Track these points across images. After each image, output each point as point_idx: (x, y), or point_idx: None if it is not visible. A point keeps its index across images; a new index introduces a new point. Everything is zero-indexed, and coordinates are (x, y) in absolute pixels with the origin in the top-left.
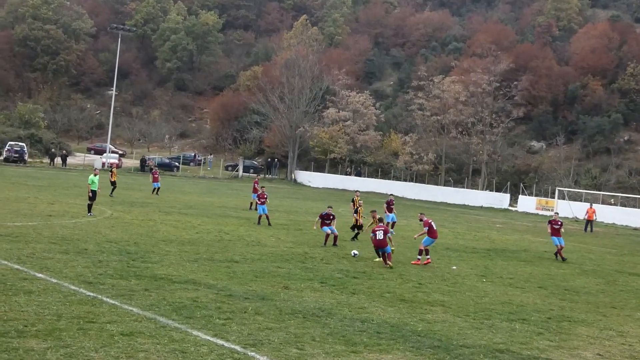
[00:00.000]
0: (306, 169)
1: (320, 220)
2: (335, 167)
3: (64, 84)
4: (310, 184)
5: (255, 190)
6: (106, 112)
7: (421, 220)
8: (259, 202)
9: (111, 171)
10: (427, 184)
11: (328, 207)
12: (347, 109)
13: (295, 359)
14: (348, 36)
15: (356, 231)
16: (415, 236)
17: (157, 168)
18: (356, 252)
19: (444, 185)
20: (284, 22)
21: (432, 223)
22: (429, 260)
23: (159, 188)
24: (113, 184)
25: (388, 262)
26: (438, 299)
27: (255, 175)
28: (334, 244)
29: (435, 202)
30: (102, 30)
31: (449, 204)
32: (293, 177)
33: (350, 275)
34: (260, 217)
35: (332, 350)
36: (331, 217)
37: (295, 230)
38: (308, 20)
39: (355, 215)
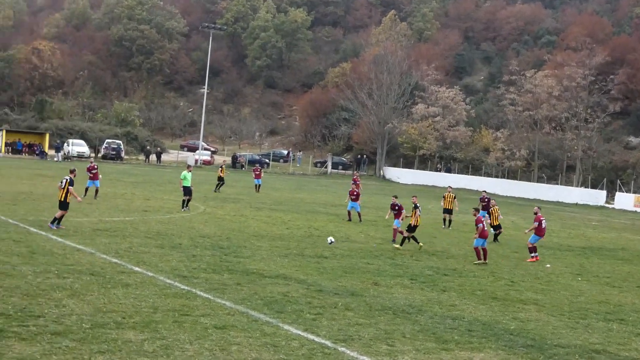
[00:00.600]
0: (395, 165)
1: (391, 211)
2: (424, 163)
3: (158, 82)
4: (399, 181)
5: (354, 184)
6: (198, 110)
7: (536, 214)
8: (350, 199)
9: (221, 167)
10: (519, 180)
11: (393, 197)
12: (436, 105)
13: (386, 355)
14: (437, 31)
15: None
16: (526, 231)
17: (259, 165)
18: (332, 239)
19: (537, 182)
20: (373, 18)
21: (543, 220)
22: (535, 259)
23: (259, 185)
24: (220, 179)
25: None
26: (531, 298)
27: (353, 172)
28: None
29: (527, 199)
30: (194, 29)
31: (542, 201)
32: (382, 174)
33: (440, 272)
34: (349, 212)
35: (423, 347)
36: (397, 207)
37: (385, 227)
38: (397, 16)
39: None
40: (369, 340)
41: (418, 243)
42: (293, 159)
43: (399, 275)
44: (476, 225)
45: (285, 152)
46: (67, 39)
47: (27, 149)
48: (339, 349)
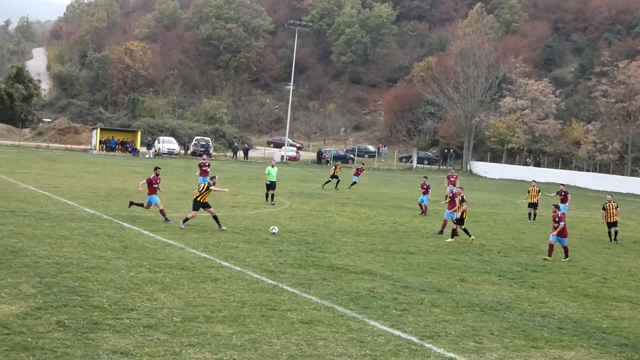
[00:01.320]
0: (482, 159)
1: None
2: (512, 157)
3: (245, 80)
4: (486, 175)
5: (450, 183)
6: (284, 107)
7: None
8: (422, 192)
9: (335, 167)
10: (612, 174)
11: (424, 177)
12: (524, 98)
13: (473, 352)
14: (525, 23)
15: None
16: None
17: (363, 165)
18: (275, 228)
19: (631, 176)
20: (459, 11)
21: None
22: None
23: (350, 182)
24: (334, 177)
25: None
26: (625, 295)
27: (447, 168)
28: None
29: (620, 194)
30: (279, 26)
31: (636, 195)
32: (469, 168)
33: (529, 268)
34: (420, 205)
35: (512, 345)
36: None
37: (472, 222)
38: (483, 8)
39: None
40: (455, 337)
41: (470, 236)
42: (378, 154)
43: (486, 271)
44: (555, 221)
45: (371, 147)
46: (157, 39)
47: (120, 146)
48: (426, 345)
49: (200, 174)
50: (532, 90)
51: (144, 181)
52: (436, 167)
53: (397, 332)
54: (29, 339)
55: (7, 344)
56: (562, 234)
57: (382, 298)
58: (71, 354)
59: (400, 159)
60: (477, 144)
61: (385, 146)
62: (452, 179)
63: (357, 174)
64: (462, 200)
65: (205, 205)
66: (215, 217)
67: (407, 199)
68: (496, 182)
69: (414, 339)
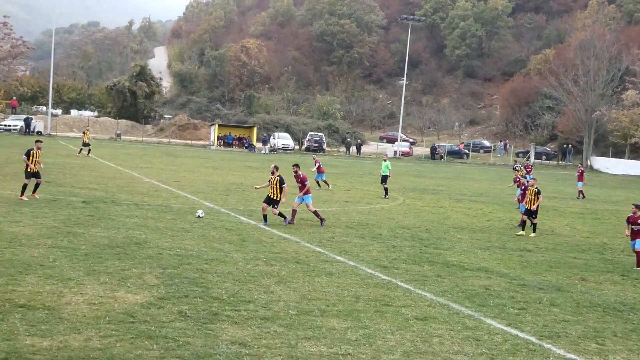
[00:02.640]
0: (603, 154)
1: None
2: (636, 152)
3: (358, 75)
4: (607, 171)
5: (581, 179)
6: (397, 102)
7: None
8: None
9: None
10: None
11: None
12: None
13: (595, 354)
14: None
15: None
16: None
17: (529, 162)
18: (201, 212)
19: None
20: (578, 2)
21: None
22: None
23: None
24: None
25: None
26: None
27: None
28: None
29: None
30: (392, 21)
31: None
32: (589, 164)
33: None
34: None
35: (637, 348)
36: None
37: (593, 219)
38: None
39: None
40: (576, 337)
41: (522, 230)
42: (494, 149)
43: (608, 270)
44: (627, 223)
45: (486, 142)
46: (272, 36)
47: (237, 142)
48: (545, 345)
49: (318, 171)
50: None
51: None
52: (554, 162)
53: (514, 331)
54: (153, 327)
55: (132, 332)
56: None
57: (499, 296)
58: (192, 343)
59: (517, 154)
60: (598, 139)
61: (501, 141)
62: (528, 169)
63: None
64: (538, 193)
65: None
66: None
67: None
68: (619, 179)
69: (532, 339)
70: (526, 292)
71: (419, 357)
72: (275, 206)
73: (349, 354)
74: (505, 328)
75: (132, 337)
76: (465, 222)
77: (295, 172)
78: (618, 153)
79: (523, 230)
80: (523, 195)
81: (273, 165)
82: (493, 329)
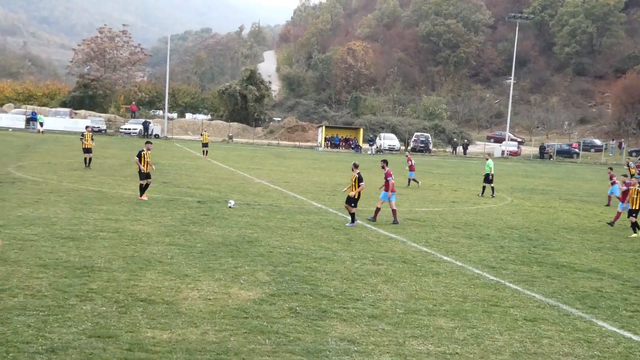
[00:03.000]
0: None
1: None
2: None
3: (464, 75)
4: None
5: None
6: (504, 101)
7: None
8: (610, 184)
9: None
10: None
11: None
12: None
13: None
14: None
15: None
16: None
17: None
18: (232, 202)
19: None
20: None
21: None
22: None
23: None
24: None
25: None
26: None
27: None
28: None
29: None
30: (499, 20)
31: None
32: None
33: None
34: (609, 197)
35: None
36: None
37: None
38: None
39: None
40: None
41: (635, 232)
42: (605, 148)
43: None
44: None
45: (597, 141)
46: (378, 38)
47: (343, 143)
48: None
49: (410, 169)
50: None
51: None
52: None
53: (628, 334)
54: (265, 323)
55: (246, 327)
56: None
57: (611, 298)
58: (302, 339)
59: (630, 153)
60: None
61: (614, 140)
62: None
63: None
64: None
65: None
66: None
67: None
68: None
69: None
70: None
71: (528, 358)
72: (353, 204)
73: (457, 353)
74: (617, 330)
75: (246, 332)
76: (576, 223)
77: (383, 167)
78: None
79: (635, 232)
80: (624, 194)
81: (353, 163)
82: (605, 331)
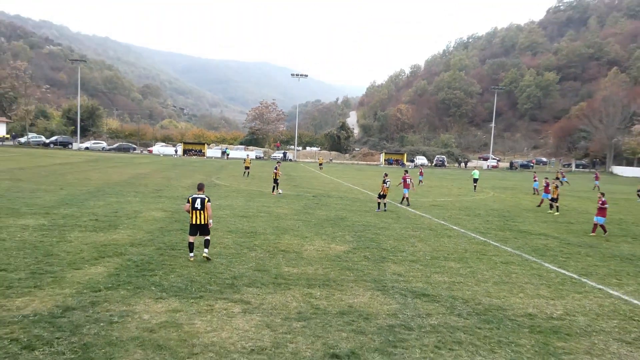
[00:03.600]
0: (619, 164)
1: None
2: None
3: (465, 122)
4: (622, 174)
5: (597, 179)
6: (488, 137)
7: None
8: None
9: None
10: None
11: None
12: None
13: (615, 286)
14: None
15: None
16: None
17: (562, 170)
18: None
19: None
20: (601, 72)
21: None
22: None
23: None
24: None
25: None
26: None
27: None
28: None
29: None
30: (485, 90)
31: None
32: (611, 170)
33: None
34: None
35: None
36: None
37: (612, 204)
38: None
39: None
40: (602, 276)
41: (552, 210)
42: (548, 163)
43: (623, 235)
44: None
45: (544, 159)
46: (414, 102)
47: (395, 162)
48: (582, 280)
49: (420, 174)
50: None
51: None
52: (587, 170)
53: (562, 271)
54: (350, 264)
55: (339, 266)
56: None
57: (553, 250)
58: (371, 273)
59: (563, 165)
60: (616, 155)
61: (554, 158)
62: (562, 174)
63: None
64: (556, 187)
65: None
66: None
67: None
68: (630, 179)
69: (574, 275)
70: (570, 248)
71: (503, 285)
72: (383, 201)
73: (461, 282)
74: (557, 269)
75: (339, 269)
76: (531, 207)
77: (404, 174)
78: (629, 164)
79: (551, 210)
80: (546, 188)
81: (384, 173)
82: (549, 269)
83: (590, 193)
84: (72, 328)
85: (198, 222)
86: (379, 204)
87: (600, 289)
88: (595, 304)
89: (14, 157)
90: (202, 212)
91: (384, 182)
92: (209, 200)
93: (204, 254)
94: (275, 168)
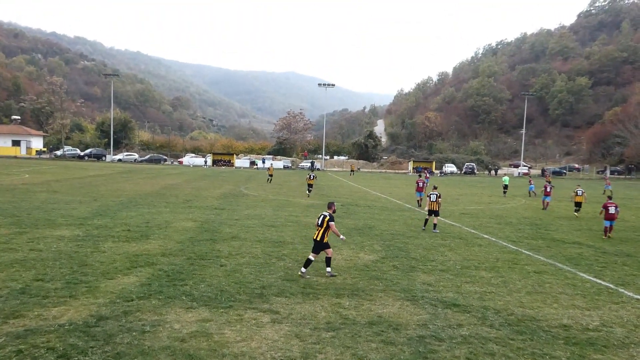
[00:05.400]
0: None
1: None
2: None
3: (494, 129)
4: None
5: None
6: (519, 144)
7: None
8: None
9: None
10: None
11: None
12: None
13: None
14: None
15: None
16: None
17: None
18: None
19: None
20: (635, 76)
21: (610, 207)
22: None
23: None
24: None
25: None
26: None
27: None
28: None
29: None
30: (515, 96)
31: None
32: None
33: None
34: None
35: None
36: None
37: None
38: None
39: None
40: None
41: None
42: (581, 170)
43: None
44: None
45: (576, 165)
46: (443, 109)
47: (424, 170)
48: (619, 290)
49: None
50: None
51: None
52: (622, 176)
53: (598, 281)
54: (379, 273)
55: (368, 275)
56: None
57: (588, 259)
58: (400, 283)
59: (597, 172)
60: None
61: (587, 165)
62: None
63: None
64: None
65: None
66: None
67: None
68: None
69: (611, 285)
70: (606, 257)
71: (537, 295)
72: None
73: (493, 292)
74: (592, 279)
75: (368, 278)
76: (564, 214)
77: (419, 179)
78: None
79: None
80: (546, 191)
81: (433, 186)
82: (585, 279)
83: (633, 202)
84: (105, 337)
85: (315, 238)
86: (425, 220)
87: (638, 299)
88: (633, 315)
89: (50, 170)
90: (320, 228)
91: (429, 195)
92: (330, 219)
93: (327, 273)
94: (312, 177)
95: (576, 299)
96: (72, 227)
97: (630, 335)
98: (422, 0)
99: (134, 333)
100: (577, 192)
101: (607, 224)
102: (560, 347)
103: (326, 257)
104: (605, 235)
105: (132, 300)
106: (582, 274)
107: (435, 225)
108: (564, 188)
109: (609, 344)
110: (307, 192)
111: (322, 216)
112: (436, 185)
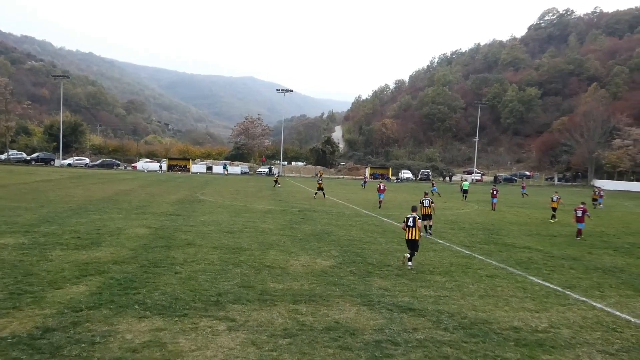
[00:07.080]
0: (600, 178)
1: None
2: (621, 176)
3: (449, 136)
4: (603, 187)
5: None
6: (472, 151)
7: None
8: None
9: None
10: None
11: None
12: (629, 139)
13: (598, 298)
14: (625, 92)
15: None
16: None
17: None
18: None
19: None
20: (581, 88)
21: (578, 210)
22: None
23: None
24: None
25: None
26: None
27: None
28: None
29: None
30: (469, 104)
31: None
32: (592, 184)
33: (636, 245)
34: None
35: (624, 294)
36: None
37: (595, 216)
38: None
39: None
40: (586, 288)
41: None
42: (531, 177)
43: (605, 247)
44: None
45: (527, 172)
46: (399, 116)
47: (380, 176)
48: (566, 292)
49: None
50: (634, 134)
51: None
52: (569, 184)
53: (546, 284)
54: (336, 279)
55: (325, 281)
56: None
57: (537, 263)
58: (356, 288)
59: (546, 179)
60: (597, 169)
61: (537, 172)
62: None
63: None
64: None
65: None
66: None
67: None
68: (610, 192)
69: (558, 288)
70: (555, 260)
71: (489, 298)
72: (427, 222)
73: (447, 296)
74: (541, 282)
75: (325, 284)
76: (515, 220)
77: (380, 184)
78: (610, 177)
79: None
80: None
81: (424, 192)
82: (534, 282)
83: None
84: (52, 350)
85: (412, 238)
86: (425, 227)
87: (583, 301)
88: (579, 316)
89: None
90: (413, 228)
91: (421, 201)
92: (420, 218)
93: (408, 265)
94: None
95: (526, 301)
96: (17, 235)
97: (576, 336)
98: (380, 8)
99: (83, 344)
100: (552, 198)
101: (581, 226)
102: (511, 349)
103: (412, 253)
104: (577, 237)
105: (81, 311)
106: (531, 278)
107: (430, 226)
108: (513, 194)
109: (556, 345)
110: (323, 194)
111: (413, 217)
112: (426, 192)
